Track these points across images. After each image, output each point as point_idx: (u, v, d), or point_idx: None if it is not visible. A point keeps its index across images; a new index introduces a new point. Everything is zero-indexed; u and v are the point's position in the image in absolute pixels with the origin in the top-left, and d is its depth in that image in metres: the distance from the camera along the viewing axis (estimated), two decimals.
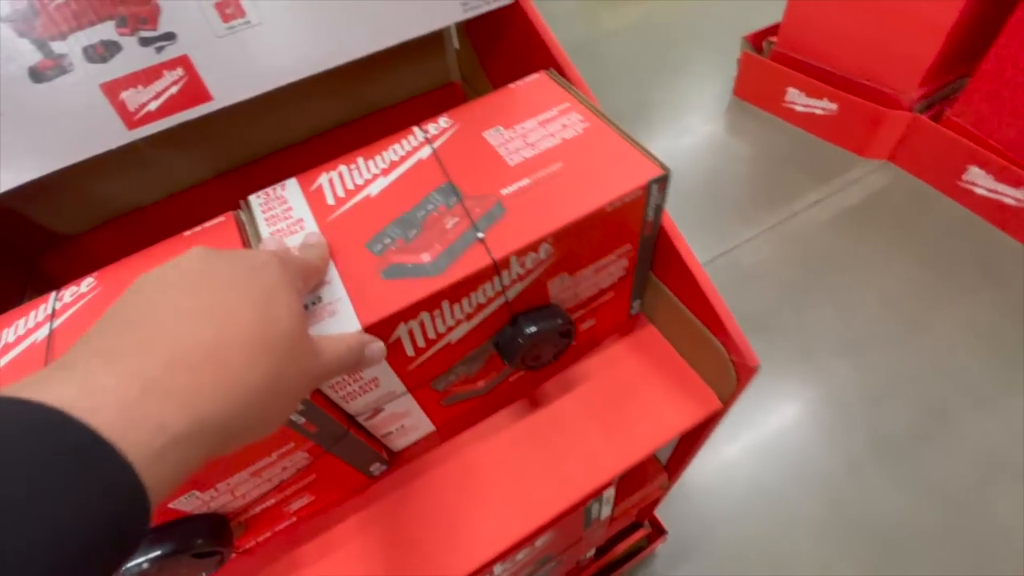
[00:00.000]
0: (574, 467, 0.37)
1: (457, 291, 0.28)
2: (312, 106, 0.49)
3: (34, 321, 0.29)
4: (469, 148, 0.34)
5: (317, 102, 0.48)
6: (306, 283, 0.26)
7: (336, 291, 0.28)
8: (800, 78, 1.49)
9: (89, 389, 0.15)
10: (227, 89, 0.33)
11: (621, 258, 0.35)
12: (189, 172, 0.53)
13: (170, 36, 0.31)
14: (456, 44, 0.54)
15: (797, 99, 1.54)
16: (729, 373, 0.37)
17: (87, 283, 0.30)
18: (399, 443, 0.38)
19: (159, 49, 0.31)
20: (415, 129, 0.36)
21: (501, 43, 0.45)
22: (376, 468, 0.36)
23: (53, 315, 0.29)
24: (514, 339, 0.32)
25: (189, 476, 0.16)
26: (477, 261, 0.28)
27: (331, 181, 0.33)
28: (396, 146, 0.35)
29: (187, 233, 0.32)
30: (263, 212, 0.32)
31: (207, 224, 0.32)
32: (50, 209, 0.46)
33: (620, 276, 0.37)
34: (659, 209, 0.33)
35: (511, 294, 0.31)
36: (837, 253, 1.29)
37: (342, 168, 0.34)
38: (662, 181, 0.31)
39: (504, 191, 0.31)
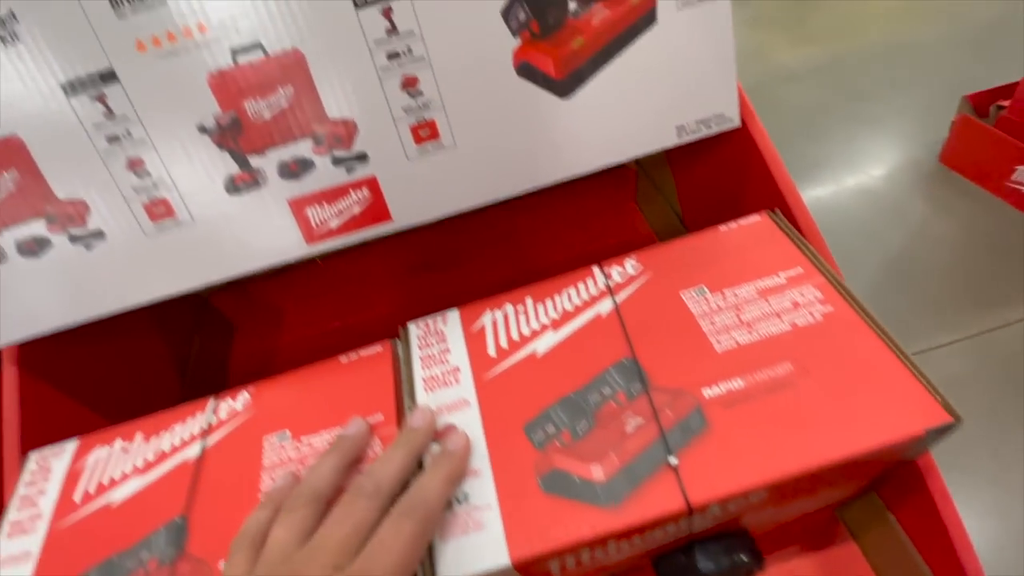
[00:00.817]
0: None
1: (632, 532, 0.22)
2: None
3: (189, 433, 0.29)
4: (661, 312, 0.28)
5: None
6: None
7: (486, 492, 0.23)
8: None
9: None
10: (409, 211, 0.30)
11: (847, 489, 0.26)
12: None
13: (363, 157, 0.29)
14: None
15: None
16: None
17: (243, 399, 0.30)
18: None
19: (350, 169, 0.29)
20: (595, 271, 0.30)
21: (706, 152, 0.38)
22: None
23: (208, 431, 0.29)
24: (684, 573, 0.25)
25: None
26: (666, 501, 0.22)
27: (495, 324, 0.29)
28: (571, 290, 0.30)
29: (343, 359, 0.30)
30: (420, 349, 0.29)
31: (363, 352, 0.30)
32: None
33: (836, 501, 0.28)
34: (924, 451, 0.24)
35: (696, 527, 0.24)
36: None
37: (508, 308, 0.30)
38: (946, 431, 0.22)
39: (707, 391, 0.24)
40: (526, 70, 0.28)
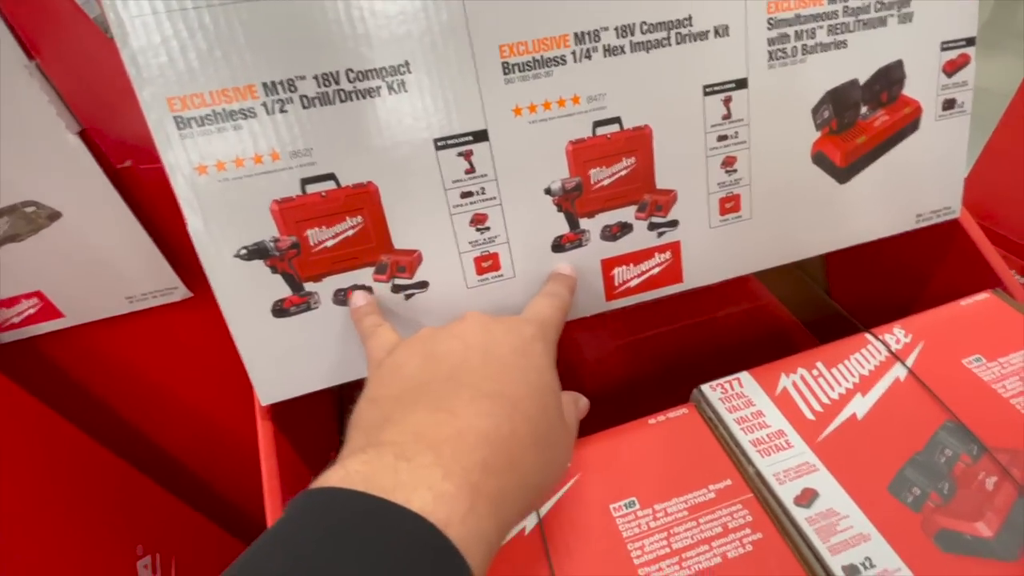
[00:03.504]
0: None
1: None
2: None
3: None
4: (955, 377, 0.30)
5: None
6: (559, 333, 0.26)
7: (888, 556, 0.23)
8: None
9: (439, 499, 0.16)
10: (697, 274, 0.32)
11: None
12: None
13: (674, 224, 0.31)
14: None
15: None
16: None
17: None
18: None
19: (660, 234, 0.31)
20: (869, 337, 0.33)
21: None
22: None
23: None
24: None
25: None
26: None
27: (795, 386, 0.31)
28: (857, 356, 0.32)
29: (651, 421, 0.30)
30: (730, 412, 0.30)
31: (670, 414, 0.30)
32: None
33: None
34: None
35: None
36: None
37: (803, 372, 0.31)
38: None
39: None
40: (819, 158, 0.32)
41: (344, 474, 0.16)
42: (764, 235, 0.33)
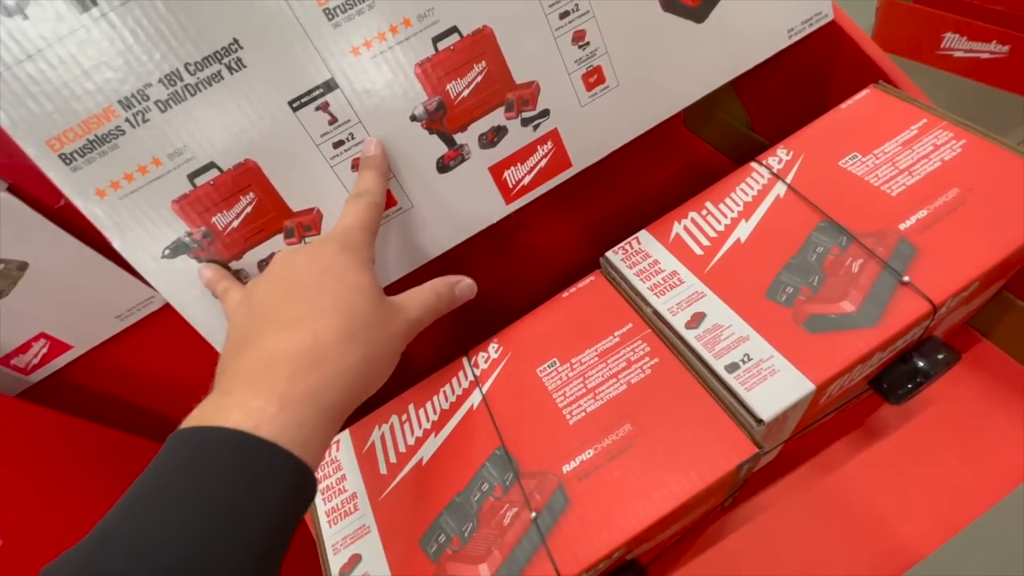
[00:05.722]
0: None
1: (894, 340, 0.27)
2: None
3: (461, 388, 0.32)
4: (830, 180, 0.33)
5: None
6: (373, 235, 0.28)
7: (762, 348, 0.28)
8: (960, 21, 1.31)
9: (248, 413, 0.20)
10: (584, 154, 0.34)
11: (998, 284, 0.33)
12: None
13: (545, 113, 0.33)
14: None
15: (957, 44, 1.36)
16: None
17: (493, 348, 0.33)
18: None
19: (536, 127, 0.33)
20: (754, 165, 0.35)
21: (778, 56, 0.43)
22: None
23: (478, 380, 0.32)
24: (910, 377, 0.31)
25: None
26: (914, 308, 0.27)
27: (687, 229, 0.34)
28: (743, 186, 0.34)
29: (564, 294, 0.34)
30: (630, 268, 0.33)
31: (580, 284, 0.34)
32: None
33: (987, 300, 0.34)
34: None
35: (932, 326, 0.30)
36: None
37: (693, 215, 0.34)
38: None
39: (902, 225, 0.30)
40: (670, 4, 0.32)
41: (189, 417, 0.21)
42: (638, 97, 0.34)
